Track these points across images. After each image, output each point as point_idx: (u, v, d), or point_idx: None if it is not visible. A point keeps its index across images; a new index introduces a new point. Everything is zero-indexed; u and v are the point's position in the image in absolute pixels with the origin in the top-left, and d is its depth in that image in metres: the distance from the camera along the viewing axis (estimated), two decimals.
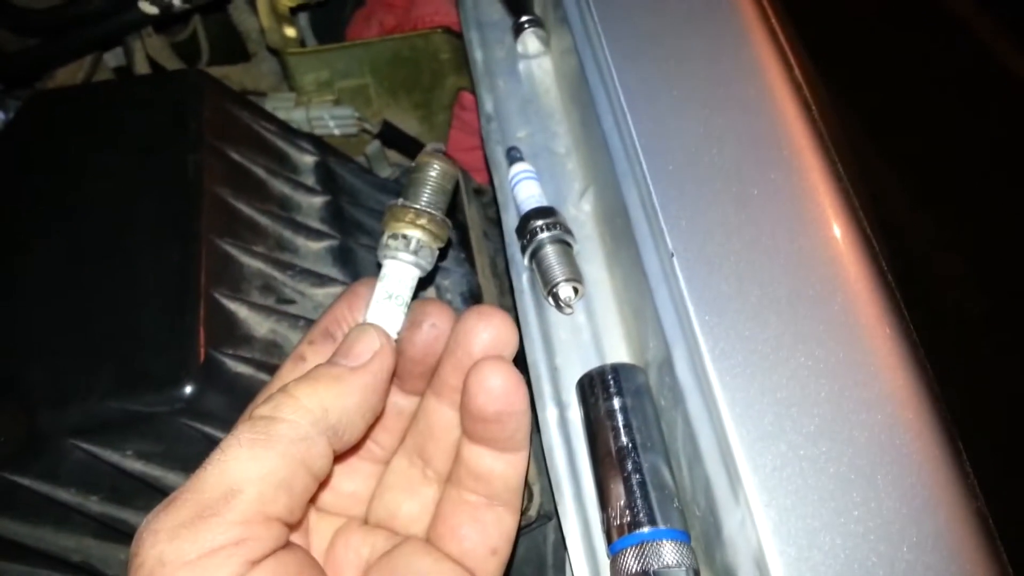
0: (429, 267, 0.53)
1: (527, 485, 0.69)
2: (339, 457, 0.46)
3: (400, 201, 0.52)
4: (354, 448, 0.48)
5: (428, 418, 0.52)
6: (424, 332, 0.50)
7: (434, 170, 0.53)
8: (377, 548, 0.50)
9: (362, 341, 0.47)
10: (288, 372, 0.50)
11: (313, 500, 0.50)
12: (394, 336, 0.51)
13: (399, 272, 0.52)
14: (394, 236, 0.52)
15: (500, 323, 0.49)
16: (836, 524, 0.42)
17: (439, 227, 0.52)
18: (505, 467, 0.50)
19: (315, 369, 0.46)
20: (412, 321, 0.51)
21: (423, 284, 0.54)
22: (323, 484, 0.46)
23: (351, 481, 0.53)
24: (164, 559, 0.37)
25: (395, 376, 0.51)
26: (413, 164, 0.54)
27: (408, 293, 0.52)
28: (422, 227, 0.51)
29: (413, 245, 0.51)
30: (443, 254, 0.54)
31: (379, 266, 0.53)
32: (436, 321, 0.50)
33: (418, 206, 0.52)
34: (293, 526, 0.43)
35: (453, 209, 0.86)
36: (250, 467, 0.40)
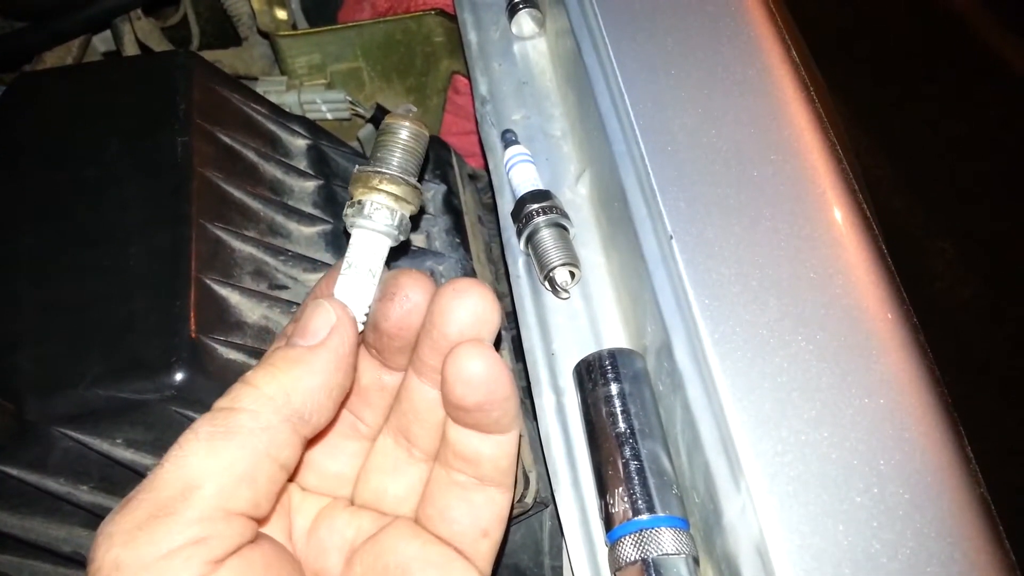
0: (401, 235, 0.49)
1: (524, 472, 0.68)
2: (313, 439, 0.44)
3: (368, 166, 0.49)
4: (327, 428, 0.46)
5: (410, 397, 0.49)
6: (397, 305, 0.47)
7: (403, 131, 0.49)
8: (363, 530, 0.48)
9: (317, 317, 0.45)
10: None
11: (292, 478, 0.48)
12: (365, 309, 0.48)
13: (367, 241, 0.48)
14: (361, 203, 0.48)
15: (477, 299, 0.45)
16: (838, 511, 0.42)
17: (410, 192, 0.49)
18: (494, 448, 0.47)
19: (271, 353, 0.44)
20: (384, 293, 0.48)
21: (398, 252, 0.50)
22: (296, 471, 0.44)
23: (336, 461, 0.51)
24: (120, 563, 0.36)
25: (375, 350, 0.49)
26: (382, 125, 0.50)
27: (378, 263, 0.49)
28: (391, 193, 0.48)
29: (382, 212, 0.48)
30: (415, 222, 0.51)
31: (347, 235, 0.50)
32: (410, 293, 0.47)
33: (387, 170, 0.48)
34: (262, 520, 0.42)
35: (446, 179, 0.85)
36: (208, 462, 0.38)
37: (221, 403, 0.41)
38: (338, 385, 0.44)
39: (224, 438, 0.39)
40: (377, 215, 0.48)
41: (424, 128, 0.50)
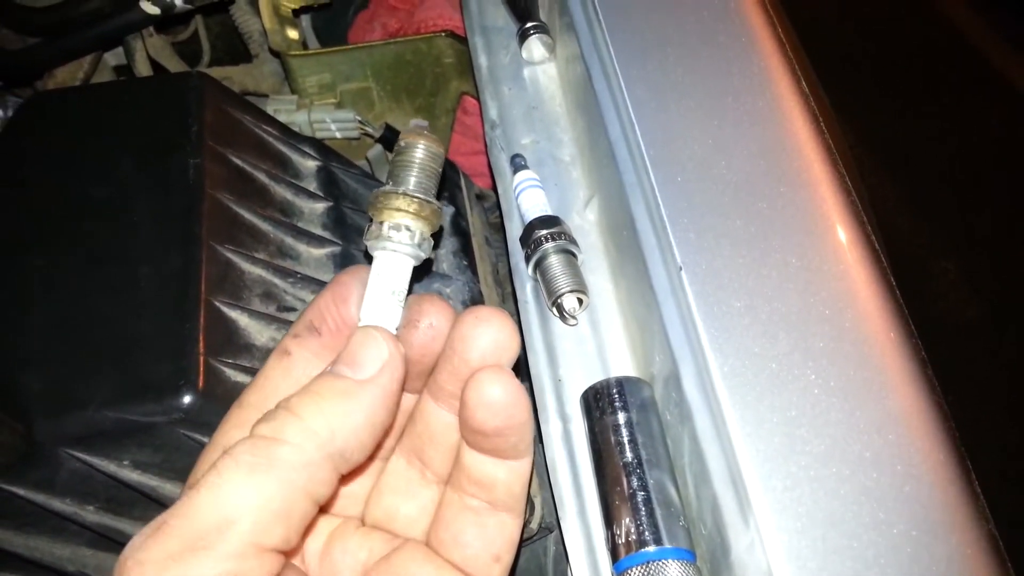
0: (425, 255, 0.49)
1: (529, 497, 0.68)
2: (344, 478, 0.43)
3: (387, 187, 0.48)
4: (358, 468, 0.45)
5: (426, 420, 0.49)
6: (421, 333, 0.47)
7: (420, 150, 0.49)
8: (375, 551, 0.48)
9: (368, 348, 0.43)
10: (273, 367, 0.48)
11: (324, 511, 0.48)
12: (393, 333, 0.47)
13: (393, 264, 0.48)
14: (383, 224, 0.48)
15: (498, 327, 0.45)
16: (847, 548, 0.42)
17: (431, 211, 0.48)
18: (508, 474, 0.47)
19: (320, 382, 0.43)
20: (409, 320, 0.47)
21: (418, 273, 0.50)
22: (327, 505, 0.43)
23: (347, 479, 0.50)
24: None
25: None
26: (397, 145, 0.50)
27: (405, 286, 0.48)
28: (413, 213, 0.48)
29: (405, 233, 0.48)
30: (436, 240, 0.50)
31: (369, 258, 0.49)
32: (434, 320, 0.47)
33: (407, 191, 0.48)
34: (290, 553, 0.41)
35: (455, 201, 0.85)
36: (247, 494, 0.38)
37: (263, 430, 0.40)
38: (382, 423, 0.43)
39: (265, 471, 0.38)
40: (400, 237, 0.48)
41: (438, 144, 0.50)
